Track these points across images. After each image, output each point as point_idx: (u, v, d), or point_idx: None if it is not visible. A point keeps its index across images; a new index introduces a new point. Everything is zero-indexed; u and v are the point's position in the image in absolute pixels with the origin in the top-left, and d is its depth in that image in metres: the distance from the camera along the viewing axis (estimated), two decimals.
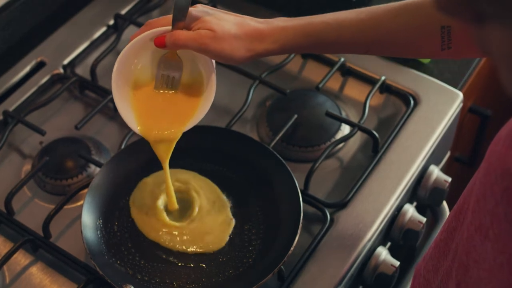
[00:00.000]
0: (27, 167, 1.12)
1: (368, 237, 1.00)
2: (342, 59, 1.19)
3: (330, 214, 1.02)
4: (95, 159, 1.09)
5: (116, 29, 1.29)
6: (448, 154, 1.26)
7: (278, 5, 1.26)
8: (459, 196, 0.73)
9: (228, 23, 0.86)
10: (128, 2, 1.33)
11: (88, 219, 0.97)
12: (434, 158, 1.13)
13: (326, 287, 0.95)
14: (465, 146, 1.41)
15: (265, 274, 0.90)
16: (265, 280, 0.90)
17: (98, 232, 0.98)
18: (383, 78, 1.17)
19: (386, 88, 1.18)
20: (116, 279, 0.91)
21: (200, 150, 1.06)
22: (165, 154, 0.94)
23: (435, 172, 1.11)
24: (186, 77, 0.93)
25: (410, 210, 1.06)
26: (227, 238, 0.99)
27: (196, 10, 0.88)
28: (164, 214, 1.00)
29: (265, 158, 1.03)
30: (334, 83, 1.20)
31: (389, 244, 1.10)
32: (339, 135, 1.12)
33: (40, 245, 1.01)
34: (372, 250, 1.02)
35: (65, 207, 1.04)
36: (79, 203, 1.06)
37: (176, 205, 1.00)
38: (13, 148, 1.15)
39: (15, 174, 1.11)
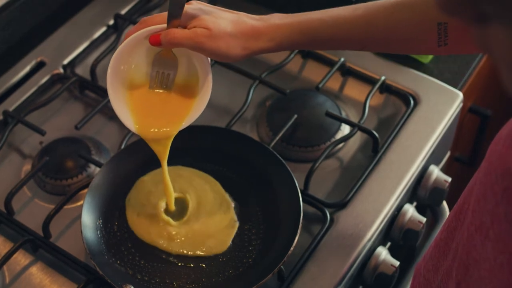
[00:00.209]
0: (27, 167, 1.12)
1: (368, 237, 1.00)
2: (342, 59, 1.19)
3: (330, 214, 1.02)
4: (95, 159, 1.09)
5: (116, 29, 1.29)
6: (448, 154, 1.26)
7: (278, 5, 1.26)
8: (459, 196, 0.73)
9: (223, 21, 0.86)
10: (128, 2, 1.33)
11: (88, 219, 0.97)
12: (434, 158, 1.13)
13: (326, 287, 0.95)
14: (465, 146, 1.41)
15: (265, 274, 0.90)
16: (265, 280, 0.90)
17: (98, 232, 0.98)
18: (383, 78, 1.17)
19: (386, 88, 1.18)
20: (116, 279, 0.91)
21: (200, 150, 1.06)
22: (162, 152, 0.94)
23: (435, 172, 1.11)
24: (181, 75, 0.92)
25: (410, 210, 1.06)
26: (230, 241, 0.98)
27: (191, 7, 0.87)
28: (162, 213, 1.00)
29: (265, 158, 1.03)
30: (334, 83, 1.20)
31: (389, 244, 1.10)
32: (339, 135, 1.12)
33: (40, 245, 1.01)
34: (372, 250, 1.02)
35: (65, 207, 1.04)
36: (79, 203, 1.06)
37: (173, 206, 1.00)
38: (13, 148, 1.15)
39: (15, 174, 1.11)
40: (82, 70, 1.23)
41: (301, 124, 1.13)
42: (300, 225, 0.94)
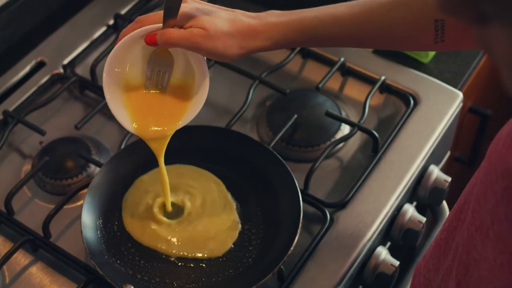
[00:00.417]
0: (27, 167, 1.12)
1: (368, 236, 1.00)
2: (342, 59, 1.19)
3: (330, 214, 1.02)
4: (95, 159, 1.09)
5: (116, 29, 1.29)
6: (448, 154, 1.26)
7: (278, 5, 1.26)
8: (459, 196, 0.73)
9: (220, 20, 0.85)
10: (128, 2, 1.33)
11: (88, 219, 0.97)
12: (434, 158, 1.13)
13: (326, 287, 0.95)
14: (465, 146, 1.41)
15: (265, 274, 0.90)
16: (265, 280, 0.90)
17: (98, 232, 0.98)
18: (383, 78, 1.17)
19: (386, 88, 1.18)
20: (116, 279, 0.91)
21: (200, 149, 1.06)
22: (159, 150, 0.94)
23: (435, 172, 1.11)
24: (178, 73, 0.91)
25: (410, 210, 1.06)
26: (231, 244, 0.98)
27: (187, 6, 0.86)
28: (158, 213, 0.99)
29: (265, 158, 1.03)
30: (334, 83, 1.20)
31: (389, 243, 1.10)
32: (339, 135, 1.12)
33: (40, 245, 1.01)
34: (372, 250, 1.02)
35: (65, 207, 1.04)
36: (79, 203, 1.06)
37: (170, 206, 0.99)
38: (13, 148, 1.15)
39: (15, 174, 1.11)
40: (82, 70, 1.23)
41: (301, 124, 1.13)
42: (300, 225, 0.94)
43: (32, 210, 1.06)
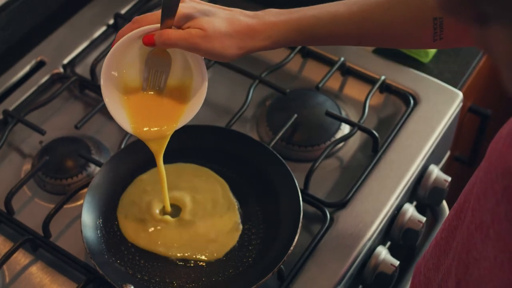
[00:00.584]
0: (27, 166, 1.12)
1: (368, 236, 1.00)
2: (342, 59, 1.19)
3: (330, 214, 1.02)
4: (95, 159, 1.09)
5: (116, 29, 1.29)
6: (448, 153, 1.26)
7: (278, 4, 1.26)
8: (459, 195, 0.73)
9: (218, 20, 0.84)
10: (128, 2, 1.33)
11: (88, 219, 0.97)
12: (434, 158, 1.13)
13: (326, 287, 0.95)
14: (465, 146, 1.41)
15: (265, 274, 0.90)
16: (265, 279, 0.90)
17: (98, 231, 0.98)
18: (383, 77, 1.17)
19: (386, 88, 1.18)
20: (116, 278, 0.91)
21: (200, 149, 1.06)
22: (159, 151, 0.93)
23: (435, 171, 1.11)
24: (176, 73, 0.91)
25: (410, 209, 1.06)
26: (232, 245, 0.98)
27: (185, 6, 0.85)
28: (157, 214, 0.99)
29: (265, 157, 1.03)
30: (334, 82, 1.20)
31: (389, 243, 1.10)
32: (339, 135, 1.12)
33: (40, 245, 1.01)
34: (372, 249, 1.02)
35: (65, 206, 1.04)
36: (79, 203, 1.06)
37: (169, 207, 0.99)
38: (13, 148, 1.15)
39: (15, 174, 1.11)
40: (82, 70, 1.23)
41: (301, 123, 1.13)
42: (300, 224, 0.94)
43: (32, 210, 1.06)
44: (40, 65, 1.25)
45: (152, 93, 0.92)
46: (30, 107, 1.16)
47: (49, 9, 1.33)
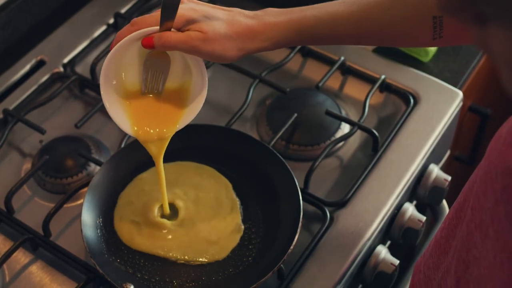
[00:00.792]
0: (27, 165, 1.12)
1: (367, 235, 1.00)
2: (342, 58, 1.19)
3: (330, 213, 1.02)
4: (95, 158, 1.09)
5: (116, 28, 1.29)
6: (448, 153, 1.26)
7: (278, 4, 1.26)
8: (458, 195, 0.73)
9: (218, 22, 0.84)
10: (128, 1, 1.33)
11: (88, 218, 0.97)
12: (434, 157, 1.13)
13: (326, 286, 0.95)
14: (465, 145, 1.41)
15: (265, 273, 0.90)
16: (265, 278, 0.90)
17: (98, 230, 0.98)
18: (383, 77, 1.17)
19: (386, 87, 1.18)
20: (116, 277, 0.91)
21: (200, 149, 1.06)
22: (158, 154, 0.93)
23: (435, 171, 1.11)
24: (175, 73, 0.90)
25: (410, 209, 1.06)
26: (234, 246, 0.98)
27: (183, 7, 0.84)
28: (157, 216, 0.99)
29: (265, 157, 1.03)
30: (334, 82, 1.20)
31: (388, 242, 1.10)
32: (339, 134, 1.12)
33: (40, 244, 1.01)
34: (372, 248, 1.02)
35: (65, 205, 1.04)
36: (79, 202, 1.06)
37: (168, 209, 0.99)
38: (13, 147, 1.15)
39: (15, 173, 1.11)
40: (82, 69, 1.24)
41: (301, 123, 1.13)
42: (300, 223, 0.94)
43: (32, 209, 1.07)
44: (40, 64, 1.25)
45: (151, 95, 0.91)
46: (30, 106, 1.16)
47: (49, 8, 1.33)
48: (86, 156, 1.09)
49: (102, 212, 1.00)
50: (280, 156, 1.02)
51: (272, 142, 1.07)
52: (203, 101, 0.89)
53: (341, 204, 1.03)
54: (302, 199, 0.97)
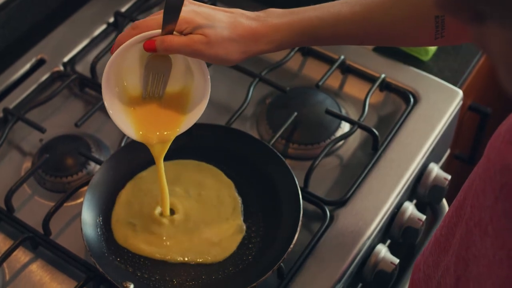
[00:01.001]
0: (27, 164, 1.12)
1: (367, 234, 1.00)
2: (342, 57, 1.19)
3: (330, 212, 1.02)
4: (95, 157, 1.09)
5: (116, 27, 1.29)
6: (448, 152, 1.26)
7: (278, 4, 1.26)
8: (458, 193, 0.73)
9: (220, 24, 0.83)
10: (128, 0, 1.33)
11: (88, 217, 0.97)
12: (434, 156, 1.13)
13: (326, 285, 0.95)
14: (465, 144, 1.41)
15: (265, 272, 0.90)
16: (265, 277, 0.90)
17: (98, 229, 0.98)
18: (383, 76, 1.17)
19: (386, 86, 1.18)
20: (116, 276, 0.91)
21: (200, 148, 1.06)
22: (159, 155, 0.93)
23: (435, 169, 1.11)
24: (177, 74, 0.90)
25: (409, 207, 1.06)
26: (234, 247, 0.97)
27: (185, 10, 0.83)
28: (157, 216, 0.98)
29: (265, 156, 1.03)
30: (334, 80, 1.20)
31: (388, 241, 1.10)
32: (339, 133, 1.12)
33: (40, 243, 1.01)
34: (372, 247, 1.02)
35: (65, 204, 1.04)
36: (79, 201, 1.06)
37: (168, 211, 0.98)
38: (13, 146, 1.15)
39: (15, 172, 1.11)
40: (82, 68, 1.24)
41: (301, 121, 1.13)
42: (300, 222, 0.94)
43: (32, 208, 1.07)
44: (40, 63, 1.25)
45: (154, 97, 0.91)
46: (30, 105, 1.16)
47: (49, 7, 1.33)
48: (86, 155, 1.09)
49: (102, 211, 1.00)
50: (280, 155, 1.02)
51: (272, 141, 1.07)
52: (206, 102, 0.89)
53: (341, 203, 1.03)
54: (302, 198, 0.97)
